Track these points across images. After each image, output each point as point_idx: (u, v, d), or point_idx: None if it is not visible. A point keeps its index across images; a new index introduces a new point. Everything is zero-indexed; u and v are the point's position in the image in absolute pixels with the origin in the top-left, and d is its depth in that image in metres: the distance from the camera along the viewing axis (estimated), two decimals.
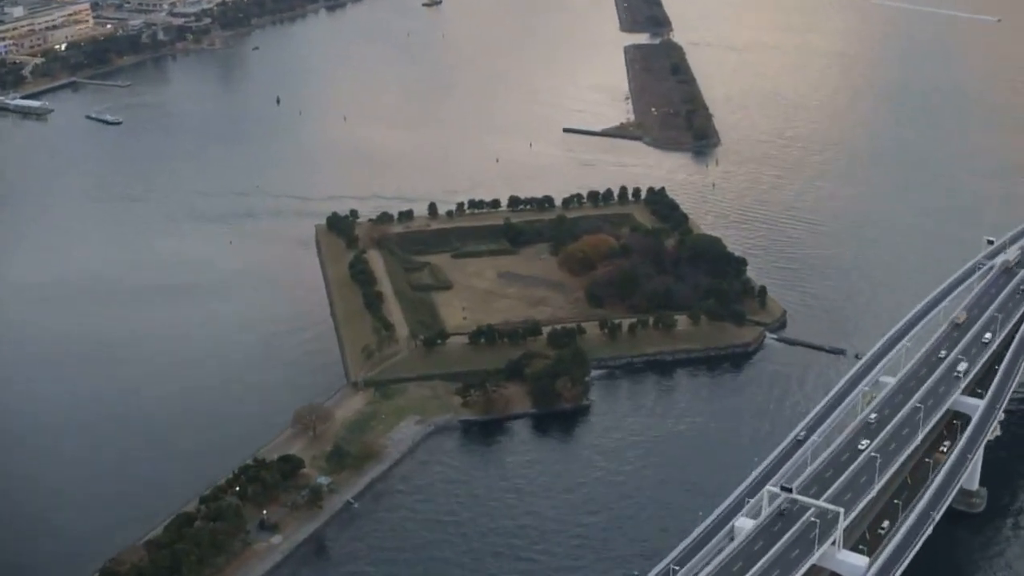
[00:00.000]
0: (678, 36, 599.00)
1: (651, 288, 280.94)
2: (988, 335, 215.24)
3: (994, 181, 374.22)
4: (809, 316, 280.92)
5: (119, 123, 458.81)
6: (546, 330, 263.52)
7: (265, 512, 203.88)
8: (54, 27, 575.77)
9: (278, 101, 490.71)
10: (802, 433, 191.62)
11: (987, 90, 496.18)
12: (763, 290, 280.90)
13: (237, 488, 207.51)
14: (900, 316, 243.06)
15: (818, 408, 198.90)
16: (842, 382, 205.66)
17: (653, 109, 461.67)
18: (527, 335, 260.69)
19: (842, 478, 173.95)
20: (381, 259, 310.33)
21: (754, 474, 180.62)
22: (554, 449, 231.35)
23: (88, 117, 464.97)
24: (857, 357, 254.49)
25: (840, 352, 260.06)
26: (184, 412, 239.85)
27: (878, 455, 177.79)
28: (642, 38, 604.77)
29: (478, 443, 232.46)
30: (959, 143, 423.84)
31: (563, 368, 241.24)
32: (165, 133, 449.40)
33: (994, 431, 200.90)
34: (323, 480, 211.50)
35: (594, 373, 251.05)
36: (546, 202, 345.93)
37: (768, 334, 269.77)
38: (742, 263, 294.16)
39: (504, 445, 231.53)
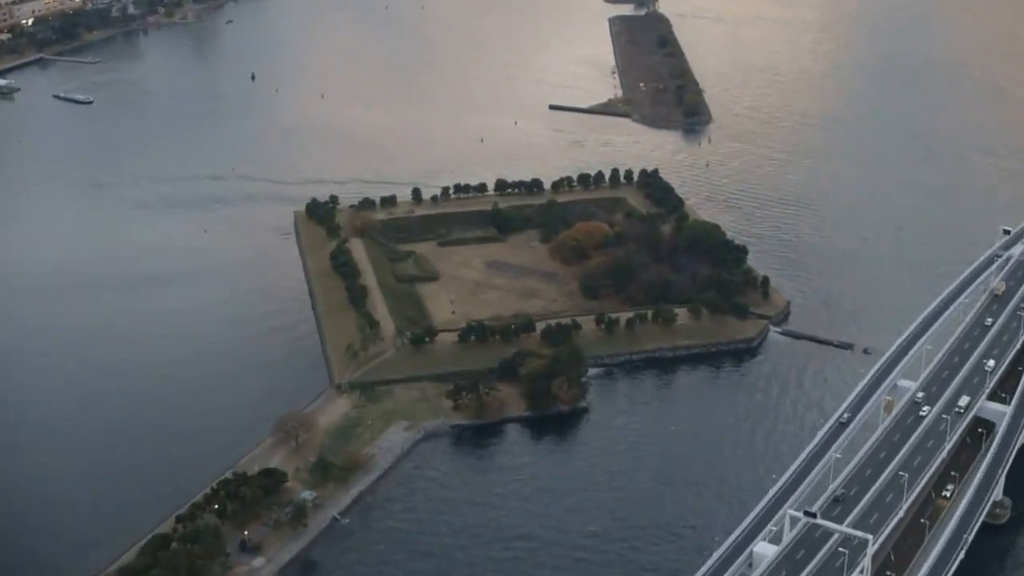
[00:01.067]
0: (664, 7, 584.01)
1: (648, 279, 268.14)
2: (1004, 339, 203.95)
3: (1000, 159, 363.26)
4: (813, 307, 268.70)
5: (90, 102, 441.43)
6: (540, 326, 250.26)
7: (246, 532, 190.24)
8: (20, 0, 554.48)
9: (253, 77, 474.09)
10: (819, 446, 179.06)
11: (986, 62, 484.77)
12: (765, 281, 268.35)
13: (216, 506, 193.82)
14: (908, 307, 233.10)
15: (834, 418, 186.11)
16: (859, 388, 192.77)
17: (641, 84, 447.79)
18: (520, 332, 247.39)
19: (866, 498, 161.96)
20: (364, 249, 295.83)
21: (771, 493, 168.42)
22: (551, 456, 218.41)
23: (56, 97, 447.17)
24: (866, 352, 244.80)
25: (848, 347, 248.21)
26: (156, 419, 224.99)
27: (904, 472, 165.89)
28: (626, 9, 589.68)
29: (471, 450, 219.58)
30: (959, 118, 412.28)
31: (559, 368, 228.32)
32: (137, 112, 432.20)
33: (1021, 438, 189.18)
34: (307, 495, 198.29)
35: (591, 372, 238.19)
36: (535, 186, 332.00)
37: (772, 327, 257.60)
38: (742, 251, 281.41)
39: (498, 452, 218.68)
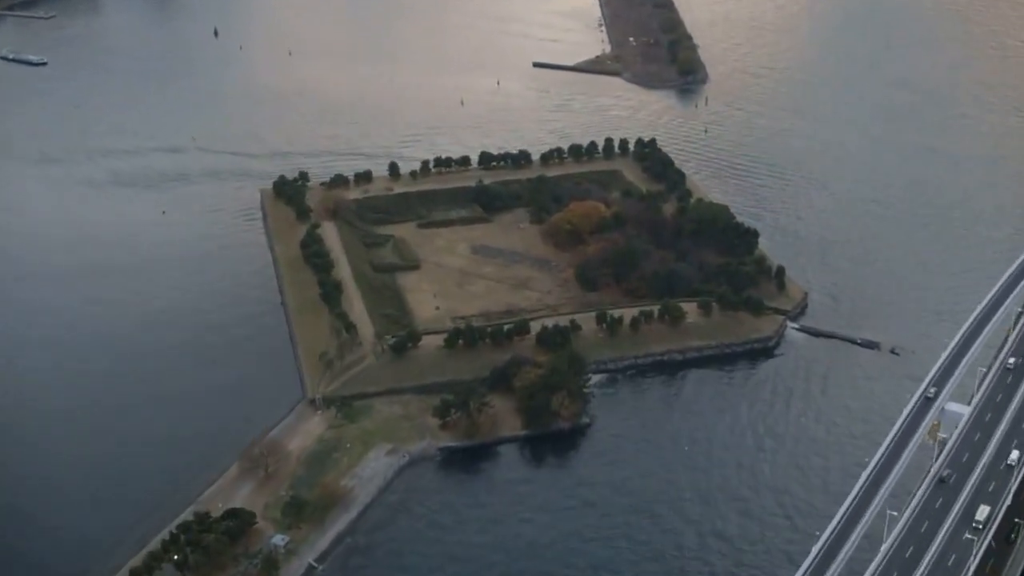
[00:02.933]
0: None
1: (650, 268, 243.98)
2: None
3: (1016, 118, 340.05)
4: (831, 298, 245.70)
5: (44, 64, 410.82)
6: (534, 326, 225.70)
7: None
8: None
9: (216, 33, 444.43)
10: (861, 495, 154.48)
11: (987, 13, 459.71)
12: (781, 270, 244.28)
13: (175, 556, 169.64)
14: (932, 298, 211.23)
15: (875, 461, 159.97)
16: (903, 418, 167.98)
17: (631, 39, 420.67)
18: (513, 334, 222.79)
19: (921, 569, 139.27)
20: (337, 233, 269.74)
21: (814, 553, 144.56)
22: (552, 484, 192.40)
23: (4, 58, 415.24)
24: (894, 352, 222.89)
25: (874, 346, 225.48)
26: (100, 445, 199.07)
27: (966, 532, 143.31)
28: None
29: (462, 478, 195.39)
30: (966, 75, 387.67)
31: (558, 380, 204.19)
32: (93, 74, 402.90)
33: None
34: (279, 540, 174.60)
35: (593, 379, 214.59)
36: (522, 158, 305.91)
37: (789, 323, 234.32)
38: (753, 235, 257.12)
39: (492, 480, 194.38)
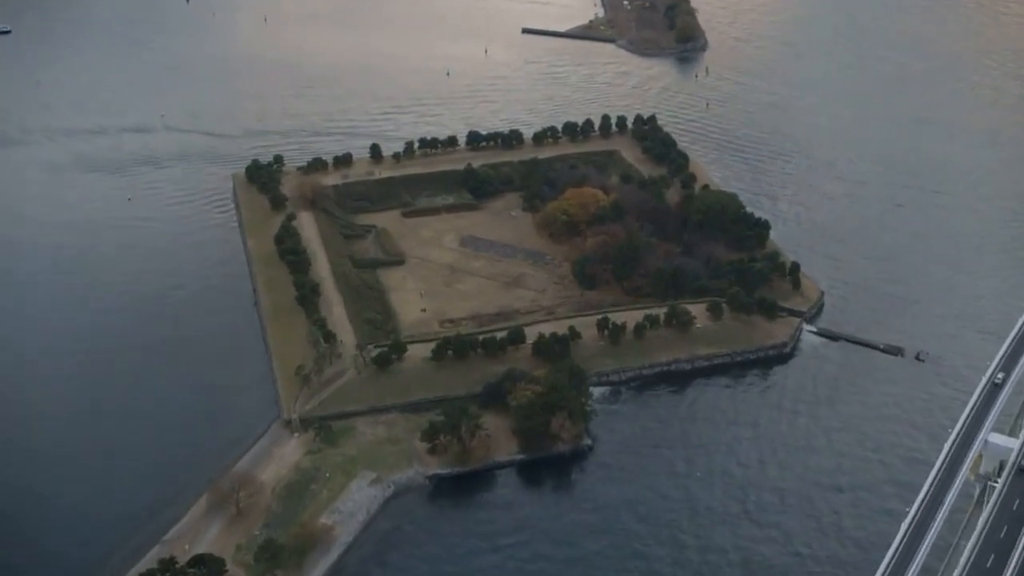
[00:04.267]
0: None
1: (654, 263, 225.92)
2: None
3: None
4: (846, 294, 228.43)
5: (7, 32, 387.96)
6: (530, 332, 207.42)
7: None
8: None
9: None
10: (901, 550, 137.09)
11: None
12: (795, 267, 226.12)
13: None
14: (957, 298, 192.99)
15: (914, 512, 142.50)
16: (942, 457, 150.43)
17: (626, 2, 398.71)
18: (507, 344, 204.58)
19: None
20: (315, 224, 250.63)
21: None
22: (553, 520, 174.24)
23: None
24: (919, 359, 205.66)
25: (897, 351, 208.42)
26: (55, 471, 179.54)
27: None
28: None
29: (453, 512, 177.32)
30: (986, 37, 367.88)
31: (558, 399, 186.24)
32: (59, 43, 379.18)
33: None
34: None
35: (595, 392, 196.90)
36: (513, 138, 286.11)
37: (805, 326, 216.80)
38: (764, 227, 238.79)
39: (487, 511, 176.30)
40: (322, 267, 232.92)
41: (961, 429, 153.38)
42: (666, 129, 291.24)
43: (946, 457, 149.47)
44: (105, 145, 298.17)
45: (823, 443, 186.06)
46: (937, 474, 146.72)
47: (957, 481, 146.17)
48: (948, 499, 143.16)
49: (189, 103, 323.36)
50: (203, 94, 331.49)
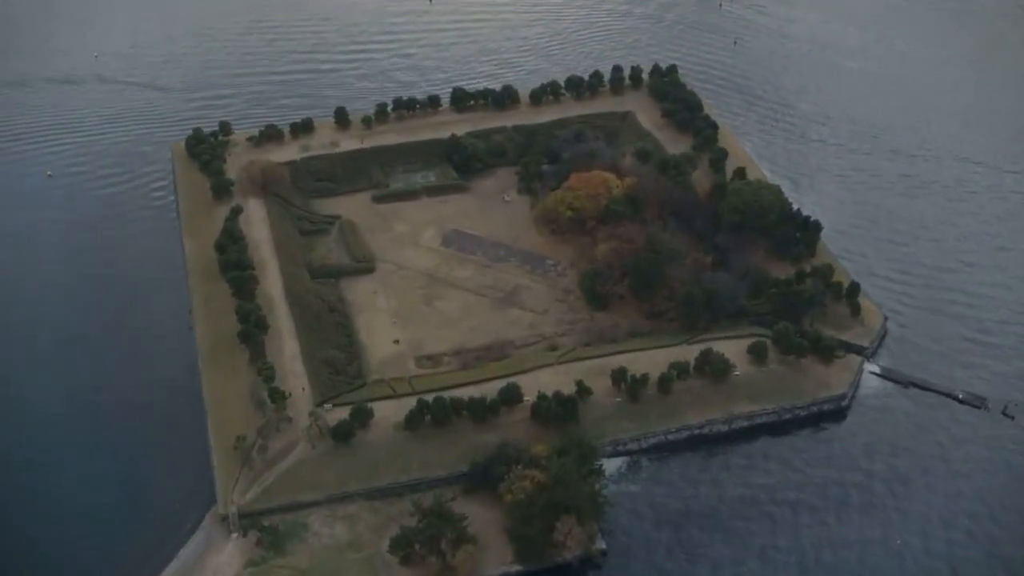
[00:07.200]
0: None
1: (680, 277, 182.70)
2: None
3: None
4: (909, 321, 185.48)
5: None
6: (527, 378, 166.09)
7: None
8: None
9: None
10: None
11: None
12: (854, 288, 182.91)
13: None
14: None
15: None
16: None
17: None
18: (499, 406, 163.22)
19: None
20: (266, 218, 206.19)
21: None
22: None
23: None
24: (1007, 414, 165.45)
25: (980, 404, 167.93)
26: None
27: None
28: None
29: None
30: None
31: (564, 496, 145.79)
32: None
33: None
34: None
35: (608, 467, 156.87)
36: (507, 96, 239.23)
37: (867, 365, 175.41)
38: (815, 229, 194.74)
39: None
40: (273, 283, 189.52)
41: None
42: (687, 78, 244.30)
43: None
44: (24, 102, 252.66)
45: (916, 544, 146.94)
46: None
47: None
48: None
49: (127, 42, 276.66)
50: (141, 26, 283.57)
